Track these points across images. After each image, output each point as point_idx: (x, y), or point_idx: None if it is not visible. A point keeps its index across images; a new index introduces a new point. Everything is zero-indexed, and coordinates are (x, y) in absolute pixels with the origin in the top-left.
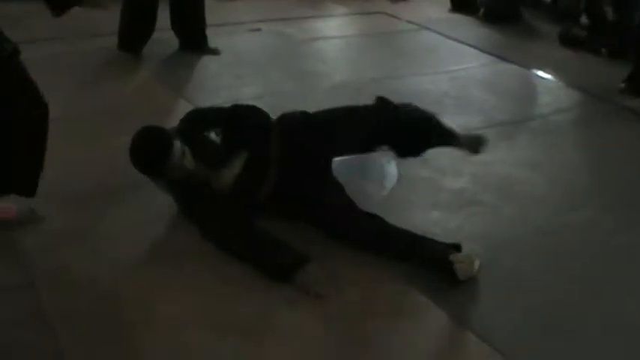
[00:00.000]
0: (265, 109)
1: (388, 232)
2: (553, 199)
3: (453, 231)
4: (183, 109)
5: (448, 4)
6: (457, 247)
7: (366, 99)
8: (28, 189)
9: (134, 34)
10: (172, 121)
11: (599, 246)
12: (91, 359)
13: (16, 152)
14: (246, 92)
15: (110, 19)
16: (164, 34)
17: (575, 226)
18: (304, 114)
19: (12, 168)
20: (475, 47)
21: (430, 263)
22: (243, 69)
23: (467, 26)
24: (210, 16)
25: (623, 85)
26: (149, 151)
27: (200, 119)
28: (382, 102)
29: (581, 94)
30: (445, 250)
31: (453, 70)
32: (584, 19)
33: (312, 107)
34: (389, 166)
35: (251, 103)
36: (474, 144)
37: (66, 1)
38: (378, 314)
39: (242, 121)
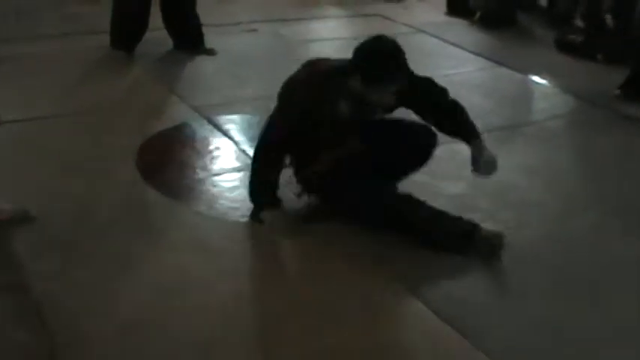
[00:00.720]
0: (263, 111)
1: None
2: (551, 205)
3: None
4: (177, 108)
5: (444, 8)
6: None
7: None
8: None
9: (126, 33)
10: (167, 121)
11: (599, 253)
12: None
13: None
14: (244, 93)
15: (107, 16)
16: (159, 33)
17: (576, 232)
18: None
19: None
20: (471, 51)
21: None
22: (240, 70)
23: (463, 30)
24: (206, 17)
25: (618, 91)
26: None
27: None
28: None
29: (576, 99)
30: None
31: (449, 74)
32: (579, 24)
33: None
34: None
35: (248, 105)
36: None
37: None
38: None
39: None
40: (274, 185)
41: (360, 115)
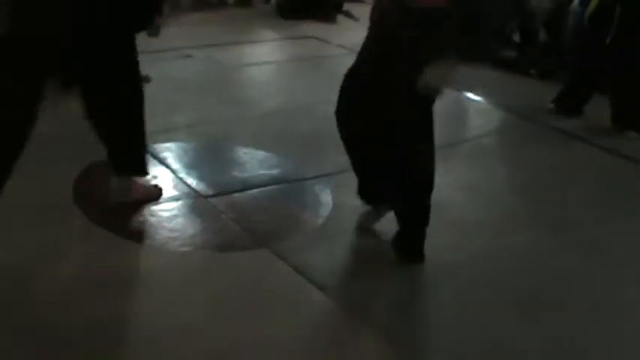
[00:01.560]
0: (200, 138)
1: None
2: (491, 222)
3: (394, 257)
4: None
5: None
6: None
7: (299, 125)
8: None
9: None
10: (102, 151)
11: (539, 269)
12: None
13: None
14: (180, 120)
15: None
16: None
17: (515, 249)
18: None
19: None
20: None
21: None
22: (175, 96)
23: None
24: (138, 43)
25: (552, 105)
26: None
27: None
28: None
29: (511, 115)
30: None
31: None
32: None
33: (245, 135)
34: (323, 194)
35: (184, 132)
36: None
37: None
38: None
39: None
40: None
41: None
